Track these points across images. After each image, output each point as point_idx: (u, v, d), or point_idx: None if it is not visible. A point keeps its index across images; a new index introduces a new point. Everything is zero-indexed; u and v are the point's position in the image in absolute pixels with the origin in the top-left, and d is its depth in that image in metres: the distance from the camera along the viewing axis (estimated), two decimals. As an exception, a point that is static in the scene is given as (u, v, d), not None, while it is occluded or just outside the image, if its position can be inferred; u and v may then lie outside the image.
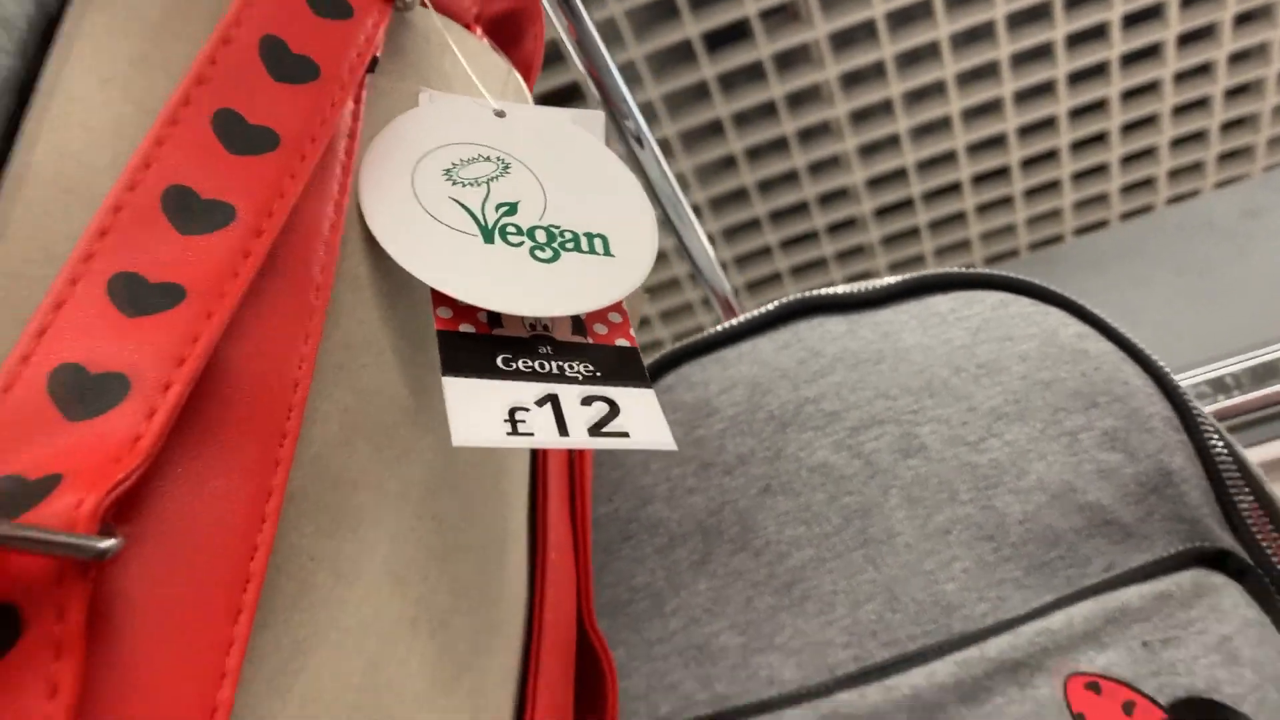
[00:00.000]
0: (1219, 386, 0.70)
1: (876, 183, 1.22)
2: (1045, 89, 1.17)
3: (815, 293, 0.44)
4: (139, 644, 0.20)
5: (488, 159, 0.30)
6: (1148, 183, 1.33)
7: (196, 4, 0.26)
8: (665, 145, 1.03)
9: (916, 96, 1.14)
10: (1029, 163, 1.26)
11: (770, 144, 1.11)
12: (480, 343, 0.27)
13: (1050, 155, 1.26)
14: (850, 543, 0.40)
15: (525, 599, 0.33)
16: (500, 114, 0.31)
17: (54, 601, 0.18)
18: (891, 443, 0.41)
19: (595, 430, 0.27)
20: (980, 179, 1.25)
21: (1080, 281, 1.30)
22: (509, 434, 0.26)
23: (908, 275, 0.44)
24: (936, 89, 1.13)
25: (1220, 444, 0.41)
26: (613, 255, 0.29)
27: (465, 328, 0.28)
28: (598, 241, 0.30)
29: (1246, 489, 0.40)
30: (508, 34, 0.37)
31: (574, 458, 0.39)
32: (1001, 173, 1.26)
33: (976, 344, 0.42)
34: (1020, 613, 0.37)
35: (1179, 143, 1.31)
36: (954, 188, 1.25)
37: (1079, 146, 1.27)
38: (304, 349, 0.24)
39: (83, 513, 0.18)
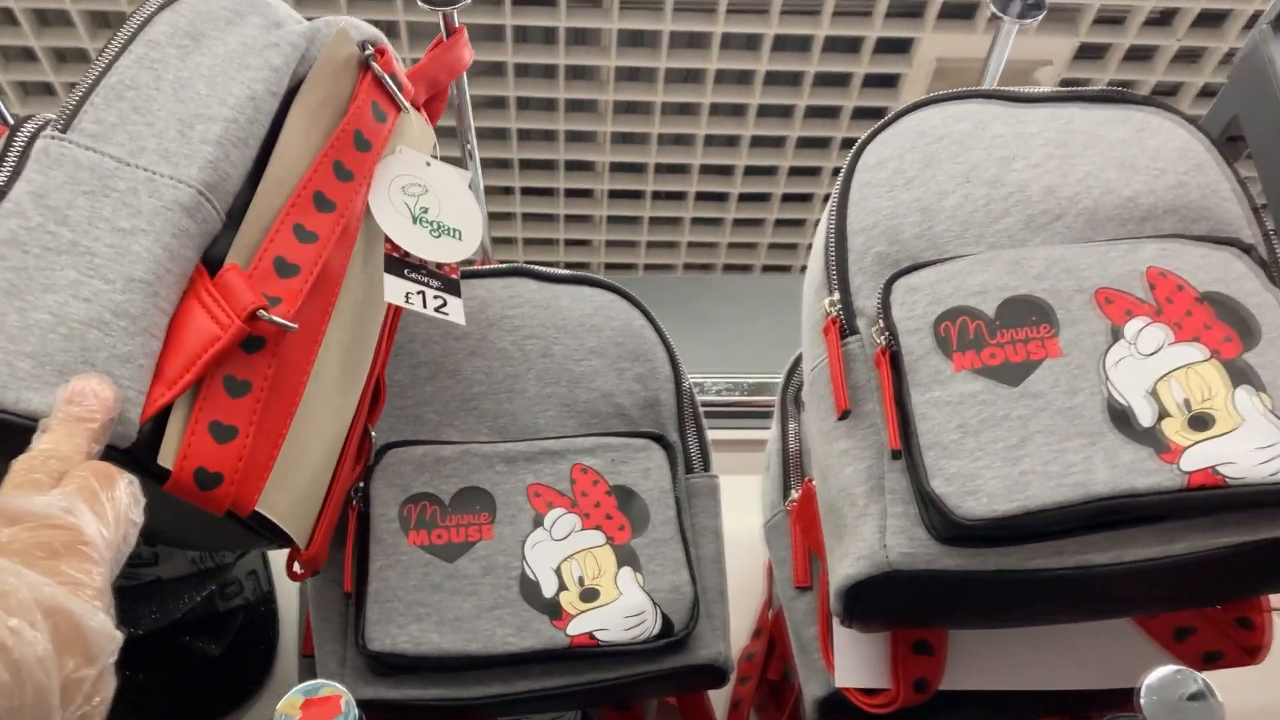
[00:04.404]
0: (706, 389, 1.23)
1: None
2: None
3: (527, 265, 0.87)
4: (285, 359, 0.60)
5: (419, 184, 0.70)
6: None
7: (329, 105, 0.65)
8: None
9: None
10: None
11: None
12: (400, 262, 0.68)
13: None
14: (501, 389, 0.84)
15: (368, 361, 0.74)
16: (428, 163, 0.71)
17: (274, 336, 0.58)
18: (539, 347, 0.85)
19: (436, 310, 0.68)
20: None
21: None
22: (404, 302, 0.67)
23: (577, 272, 0.88)
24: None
25: (686, 391, 0.88)
26: (461, 240, 0.71)
27: (395, 254, 0.68)
28: (456, 232, 0.71)
29: (690, 411, 0.88)
30: (431, 108, 0.76)
31: (392, 315, 0.80)
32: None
33: (594, 314, 0.87)
34: (565, 435, 0.82)
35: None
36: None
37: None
38: (342, 261, 0.64)
39: (288, 316, 0.58)
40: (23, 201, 0.56)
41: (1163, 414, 0.60)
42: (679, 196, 2.97)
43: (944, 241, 0.67)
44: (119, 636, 0.44)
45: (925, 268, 0.66)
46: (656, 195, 2.97)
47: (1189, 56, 2.58)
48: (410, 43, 2.06)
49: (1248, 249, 0.65)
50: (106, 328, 0.55)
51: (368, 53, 0.68)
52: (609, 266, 3.18)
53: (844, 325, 0.68)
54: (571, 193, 2.98)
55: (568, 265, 3.17)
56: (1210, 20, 2.48)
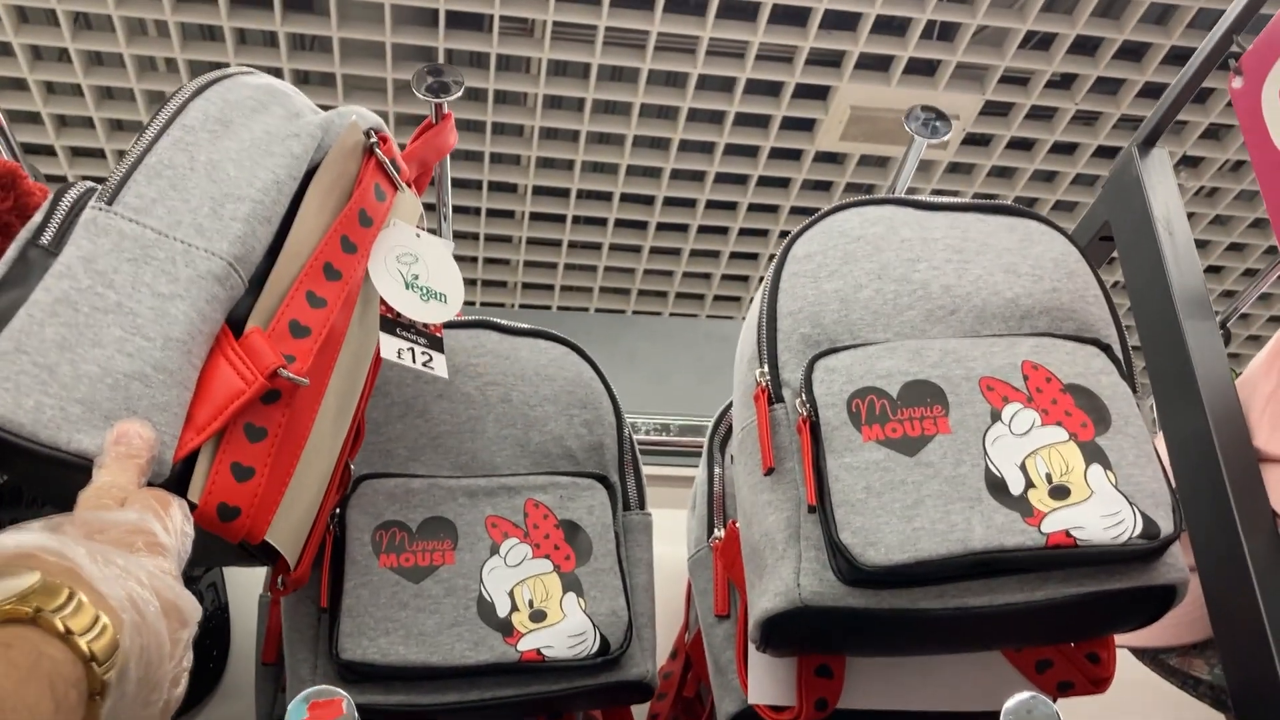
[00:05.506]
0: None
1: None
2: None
3: (490, 319, 0.98)
4: (296, 408, 0.70)
5: (410, 254, 0.81)
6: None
7: (338, 187, 0.75)
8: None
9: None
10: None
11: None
12: (392, 322, 0.79)
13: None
14: (464, 429, 0.94)
15: (355, 405, 0.83)
16: (418, 235, 0.82)
17: (289, 390, 0.68)
18: (499, 393, 0.96)
19: (423, 365, 0.79)
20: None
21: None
22: (396, 358, 0.77)
23: (539, 327, 0.99)
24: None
25: (626, 437, 0.99)
26: (446, 303, 0.81)
27: (389, 315, 0.79)
28: (442, 296, 0.81)
29: (629, 455, 0.99)
30: (418, 183, 0.87)
31: (374, 367, 0.89)
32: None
33: (548, 365, 0.98)
34: (520, 473, 0.93)
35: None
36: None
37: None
38: (345, 322, 0.74)
39: (301, 372, 0.68)
40: (74, 265, 0.65)
41: (1030, 484, 0.73)
42: (599, 222, 3.10)
43: (859, 328, 0.80)
44: (200, 608, 0.54)
45: (842, 351, 0.78)
46: (576, 220, 3.10)
47: (1086, 118, 2.78)
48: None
49: (1106, 347, 0.79)
50: (147, 380, 0.64)
51: (372, 140, 0.78)
52: (526, 286, 3.29)
53: (771, 394, 0.79)
54: (493, 213, 3.08)
55: (485, 283, 3.27)
56: (1108, 85, 2.69)
